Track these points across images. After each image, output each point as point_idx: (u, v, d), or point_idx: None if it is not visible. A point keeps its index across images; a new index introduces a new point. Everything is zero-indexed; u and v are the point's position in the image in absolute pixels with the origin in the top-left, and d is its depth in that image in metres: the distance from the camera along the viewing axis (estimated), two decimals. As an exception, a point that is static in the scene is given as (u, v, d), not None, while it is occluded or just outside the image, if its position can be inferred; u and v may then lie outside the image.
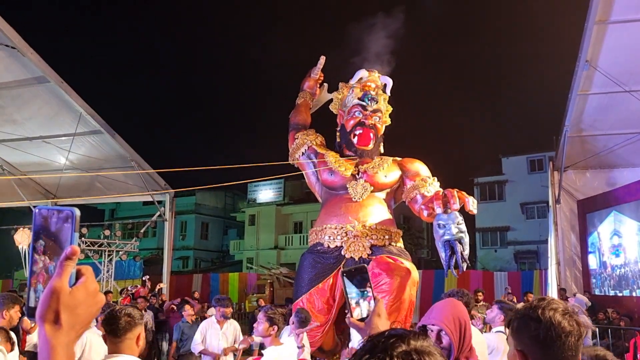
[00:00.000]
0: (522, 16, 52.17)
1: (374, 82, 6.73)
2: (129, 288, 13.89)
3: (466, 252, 5.30)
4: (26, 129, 10.93)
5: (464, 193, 5.41)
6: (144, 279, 15.19)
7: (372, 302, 1.59)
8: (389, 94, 6.97)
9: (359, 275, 1.62)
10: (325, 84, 7.49)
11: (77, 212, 0.87)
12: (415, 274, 5.99)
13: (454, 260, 5.28)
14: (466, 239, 5.32)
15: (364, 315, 1.58)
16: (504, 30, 51.50)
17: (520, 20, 52.75)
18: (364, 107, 6.58)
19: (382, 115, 6.68)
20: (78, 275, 0.86)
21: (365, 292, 1.60)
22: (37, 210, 0.89)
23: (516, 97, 50.55)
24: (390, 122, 6.95)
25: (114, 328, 2.42)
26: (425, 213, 5.63)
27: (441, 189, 5.88)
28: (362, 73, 6.85)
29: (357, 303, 1.60)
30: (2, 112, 10.36)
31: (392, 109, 6.98)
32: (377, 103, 6.64)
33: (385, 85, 6.89)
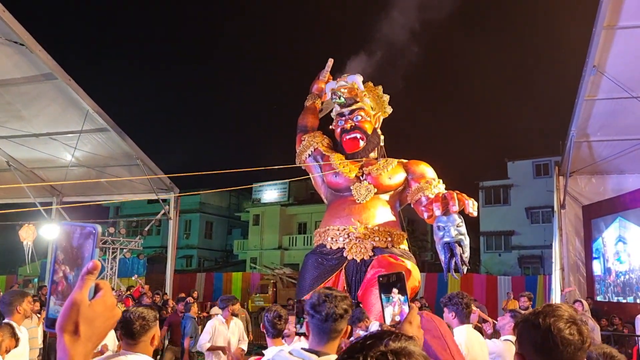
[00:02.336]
0: (529, 20, 52.09)
1: (344, 86, 6.84)
2: (121, 290, 13.79)
3: (466, 255, 5.27)
4: (33, 125, 10.98)
5: (464, 195, 5.39)
6: (133, 277, 15.03)
7: (396, 307, 1.58)
8: (381, 88, 7.07)
9: (389, 281, 1.61)
10: None
11: (99, 229, 0.93)
12: (417, 274, 5.97)
13: (453, 263, 5.27)
14: (466, 241, 5.29)
15: (388, 321, 1.56)
16: (511, 33, 51.43)
17: (528, 24, 52.68)
18: (342, 115, 6.76)
19: (368, 111, 6.79)
20: (96, 289, 0.90)
21: (391, 298, 1.59)
22: (60, 225, 0.95)
23: (522, 101, 50.44)
24: (391, 110, 7.04)
25: (129, 331, 2.48)
26: (425, 215, 5.63)
27: (442, 191, 5.87)
28: (331, 85, 7.00)
29: (385, 308, 1.60)
30: (10, 108, 10.41)
31: (388, 96, 7.06)
32: (350, 103, 6.75)
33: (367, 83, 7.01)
